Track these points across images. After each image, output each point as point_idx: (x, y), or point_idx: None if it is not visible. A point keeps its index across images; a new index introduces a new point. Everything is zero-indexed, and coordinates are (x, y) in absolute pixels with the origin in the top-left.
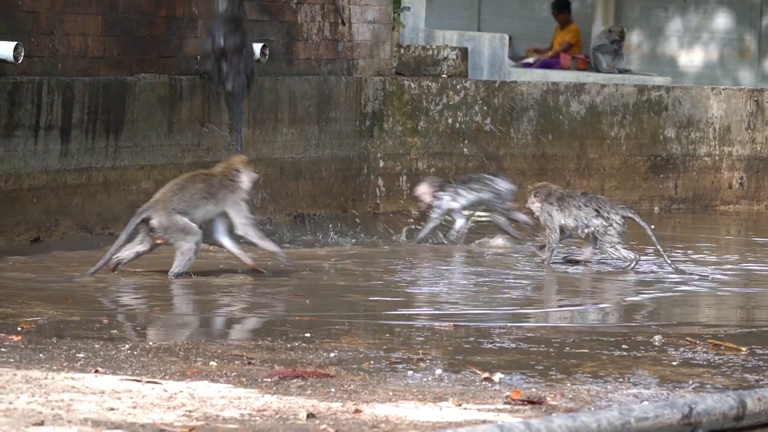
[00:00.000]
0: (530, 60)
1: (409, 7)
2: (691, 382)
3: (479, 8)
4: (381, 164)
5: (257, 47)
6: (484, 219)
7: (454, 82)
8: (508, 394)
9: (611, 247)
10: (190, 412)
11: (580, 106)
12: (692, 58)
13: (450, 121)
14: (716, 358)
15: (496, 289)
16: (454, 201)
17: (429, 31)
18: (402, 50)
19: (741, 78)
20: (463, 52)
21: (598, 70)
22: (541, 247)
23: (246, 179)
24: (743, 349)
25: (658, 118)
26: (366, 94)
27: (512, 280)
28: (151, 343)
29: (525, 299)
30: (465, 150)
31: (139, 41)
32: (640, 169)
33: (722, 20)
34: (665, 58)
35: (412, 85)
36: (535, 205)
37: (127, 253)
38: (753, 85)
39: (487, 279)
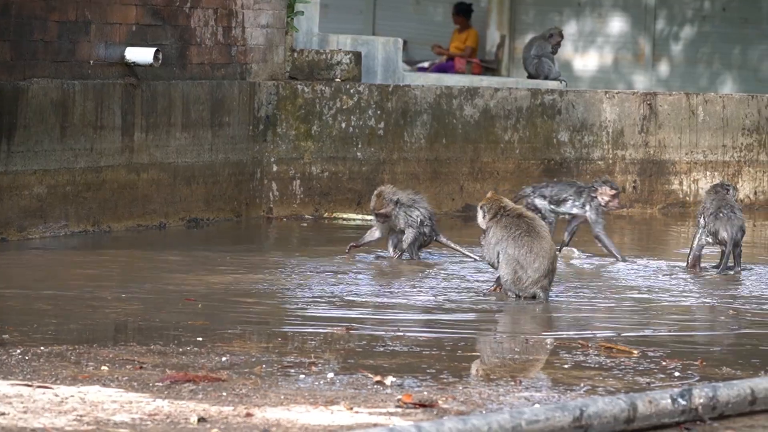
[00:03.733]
0: (425, 64)
1: (303, 12)
2: (582, 385)
3: (374, 13)
4: (274, 168)
5: (150, 52)
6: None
7: (348, 86)
8: (399, 397)
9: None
10: (81, 416)
11: (473, 109)
12: (587, 62)
13: (343, 125)
14: (608, 361)
15: (394, 294)
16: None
17: (323, 36)
18: (295, 54)
19: (636, 82)
20: (357, 57)
21: (546, 78)
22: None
23: None
24: (635, 352)
25: (551, 122)
26: (259, 99)
27: (412, 286)
28: (42, 347)
29: (423, 304)
30: (358, 154)
31: (32, 46)
32: (533, 172)
33: (617, 24)
34: (560, 62)
35: (306, 90)
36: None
37: None
38: (648, 88)
39: (388, 284)
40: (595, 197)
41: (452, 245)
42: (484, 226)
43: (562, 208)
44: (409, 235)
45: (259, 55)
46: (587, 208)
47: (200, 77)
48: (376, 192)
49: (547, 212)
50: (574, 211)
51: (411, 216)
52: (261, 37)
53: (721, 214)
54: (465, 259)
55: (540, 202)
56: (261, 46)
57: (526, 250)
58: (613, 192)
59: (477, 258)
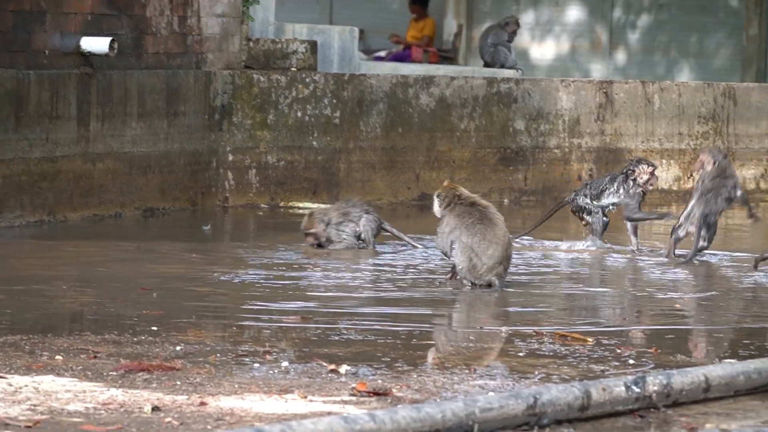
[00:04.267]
0: (382, 53)
1: (259, 1)
2: (537, 373)
3: (331, 2)
4: (230, 158)
5: (105, 41)
6: None
7: (304, 76)
8: (354, 385)
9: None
10: (35, 406)
11: (429, 98)
12: (544, 51)
13: (299, 114)
14: (563, 349)
15: (350, 284)
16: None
17: (279, 25)
18: (251, 44)
19: (593, 70)
20: (313, 46)
21: (502, 66)
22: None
23: None
24: (590, 340)
25: (507, 111)
26: (215, 88)
27: (368, 275)
28: None
29: (378, 294)
30: (314, 143)
31: None
32: (489, 161)
33: (574, 13)
34: (517, 50)
35: (261, 79)
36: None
37: None
38: (605, 77)
39: (343, 274)
40: (634, 179)
41: (396, 232)
42: (439, 215)
43: (604, 201)
44: (343, 244)
45: (214, 44)
46: (621, 191)
47: (156, 67)
48: (308, 212)
49: (593, 209)
50: (613, 199)
51: (344, 232)
52: (216, 27)
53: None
54: (422, 249)
55: (583, 201)
56: (216, 35)
57: (480, 237)
58: (651, 169)
59: (420, 246)
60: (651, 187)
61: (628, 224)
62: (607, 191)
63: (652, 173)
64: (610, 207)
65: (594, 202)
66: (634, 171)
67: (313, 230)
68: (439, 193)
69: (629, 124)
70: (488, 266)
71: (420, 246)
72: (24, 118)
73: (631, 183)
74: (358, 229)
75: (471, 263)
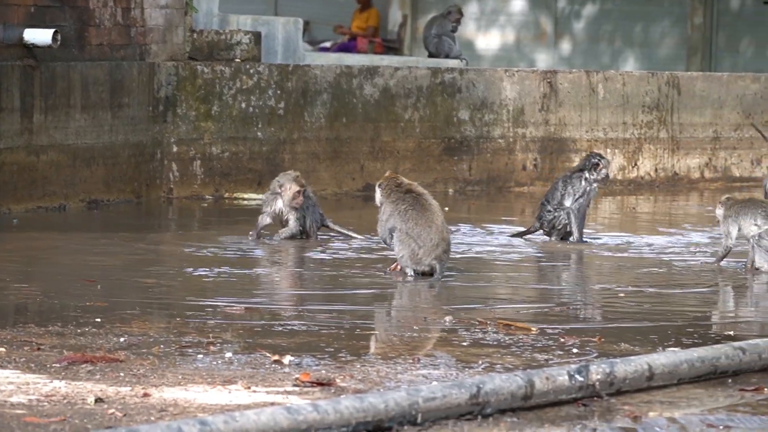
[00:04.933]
0: (327, 44)
1: None
2: (480, 362)
3: None
4: (174, 149)
5: (49, 33)
6: None
7: (248, 67)
8: (297, 376)
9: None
10: None
11: (374, 89)
12: (489, 42)
13: (243, 105)
14: (506, 339)
15: (294, 275)
16: None
17: (223, 16)
18: (195, 35)
19: (538, 60)
20: (257, 37)
21: (447, 57)
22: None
23: None
24: (534, 329)
25: (452, 101)
26: (159, 80)
27: (312, 266)
28: None
29: (322, 284)
30: (259, 134)
31: None
32: (434, 151)
33: (519, 3)
34: (462, 41)
35: (206, 70)
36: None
37: None
38: (550, 67)
39: (288, 265)
40: (596, 171)
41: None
42: (380, 204)
43: (567, 202)
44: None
45: (158, 35)
46: (576, 185)
47: (99, 58)
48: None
49: (564, 214)
50: (576, 195)
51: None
52: (160, 18)
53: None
54: (364, 241)
55: (551, 216)
56: (160, 26)
57: (413, 223)
58: (607, 169)
59: (358, 236)
60: (604, 185)
61: (572, 216)
62: (566, 194)
63: (607, 173)
64: (577, 204)
65: (561, 210)
66: (598, 164)
67: (304, 190)
68: (381, 183)
69: (573, 114)
70: (426, 250)
71: (359, 236)
72: None
73: (590, 177)
74: (307, 220)
75: (410, 249)
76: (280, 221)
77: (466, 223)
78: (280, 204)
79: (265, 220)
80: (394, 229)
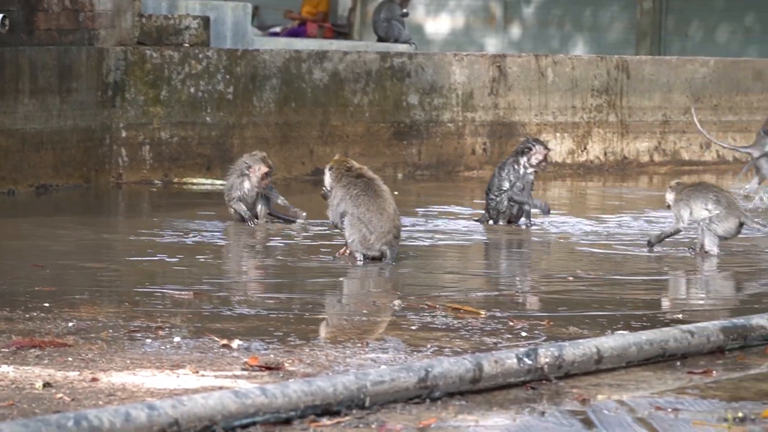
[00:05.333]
0: (277, 29)
1: None
2: (429, 346)
3: None
4: (123, 134)
5: None
6: None
7: (196, 51)
8: (246, 360)
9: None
10: None
11: (323, 73)
12: (439, 26)
13: (192, 90)
14: (455, 322)
15: (243, 258)
16: None
17: (172, 1)
18: (144, 20)
19: (488, 45)
20: (206, 21)
21: (396, 41)
22: None
23: None
24: (482, 312)
25: (401, 85)
26: (108, 65)
27: (261, 250)
28: None
29: (271, 269)
30: (208, 119)
31: None
32: (383, 135)
33: None
34: (412, 26)
35: (154, 55)
36: None
37: None
38: (500, 51)
39: (237, 249)
40: (528, 158)
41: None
42: (329, 188)
43: (506, 187)
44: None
45: (107, 20)
46: (512, 171)
47: (48, 43)
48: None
49: (507, 198)
50: (512, 180)
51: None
52: (109, 3)
53: None
54: (313, 224)
55: (497, 204)
56: (109, 11)
57: (365, 208)
58: (546, 152)
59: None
60: (541, 170)
61: (516, 198)
62: (503, 179)
63: (545, 157)
64: (516, 188)
65: (504, 195)
66: (530, 149)
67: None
68: (331, 166)
69: (523, 98)
70: (378, 235)
71: (302, 218)
72: None
73: (524, 162)
74: (270, 202)
75: (361, 234)
76: (247, 203)
77: (416, 207)
78: (247, 185)
79: (241, 206)
80: (345, 214)
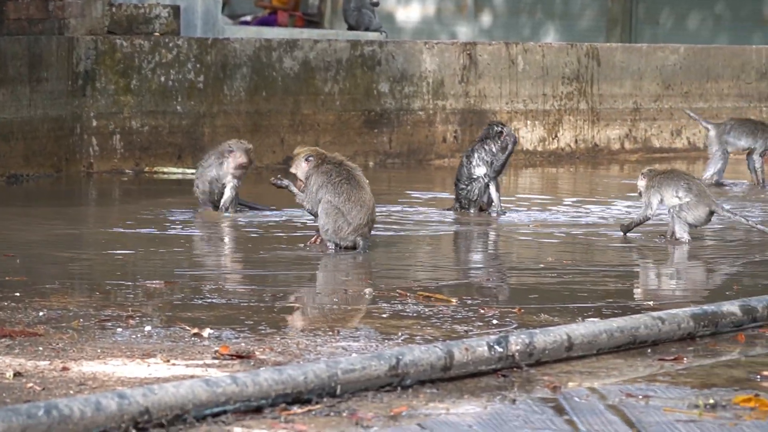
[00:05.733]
0: (247, 18)
1: None
2: (400, 334)
3: None
4: (94, 123)
5: None
6: None
7: (167, 40)
8: (217, 349)
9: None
10: None
11: (293, 62)
12: (410, 14)
13: (163, 79)
14: (426, 310)
15: (214, 247)
16: None
17: None
18: (114, 9)
19: (459, 33)
20: (176, 10)
21: (367, 29)
22: None
23: None
24: (453, 300)
25: (371, 73)
26: (78, 54)
27: (232, 238)
28: None
29: (242, 257)
30: (178, 108)
31: None
32: (354, 124)
33: None
34: (382, 14)
35: (124, 44)
36: None
37: None
38: (470, 39)
39: (208, 237)
40: (499, 141)
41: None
42: (302, 176)
43: (477, 173)
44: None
45: (77, 9)
46: (482, 154)
47: (17, 33)
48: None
49: (476, 182)
50: (483, 168)
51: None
52: None
53: None
54: (284, 213)
55: (468, 192)
56: (79, 1)
57: (345, 197)
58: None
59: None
60: (507, 154)
61: (489, 184)
62: (474, 165)
63: (510, 141)
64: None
65: (473, 181)
66: (501, 132)
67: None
68: (309, 155)
69: (493, 86)
70: (354, 226)
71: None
72: None
73: (493, 145)
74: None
75: (336, 224)
76: (215, 186)
77: (387, 195)
78: (224, 168)
79: (207, 186)
80: (321, 201)
